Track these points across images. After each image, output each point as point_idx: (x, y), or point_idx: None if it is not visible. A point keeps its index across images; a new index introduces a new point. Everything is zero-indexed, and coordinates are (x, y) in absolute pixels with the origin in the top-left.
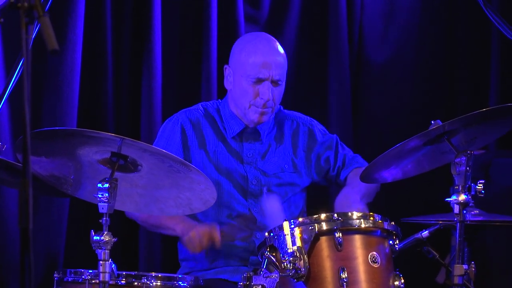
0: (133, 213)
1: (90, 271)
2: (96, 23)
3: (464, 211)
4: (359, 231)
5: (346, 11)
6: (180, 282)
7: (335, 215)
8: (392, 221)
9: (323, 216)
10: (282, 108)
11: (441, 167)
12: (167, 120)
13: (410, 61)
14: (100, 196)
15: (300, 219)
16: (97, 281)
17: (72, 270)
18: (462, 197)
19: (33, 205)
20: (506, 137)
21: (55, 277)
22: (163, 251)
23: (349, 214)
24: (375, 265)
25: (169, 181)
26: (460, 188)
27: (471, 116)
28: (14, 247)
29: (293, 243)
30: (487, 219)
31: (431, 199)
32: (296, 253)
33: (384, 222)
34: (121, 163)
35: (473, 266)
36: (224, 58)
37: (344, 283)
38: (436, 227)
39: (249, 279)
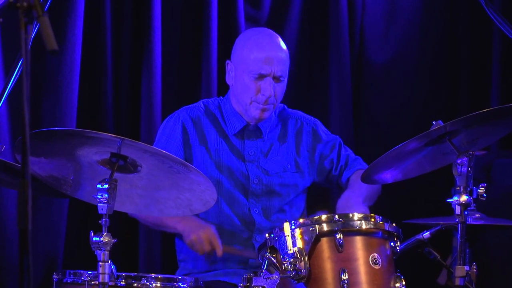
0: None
1: (90, 272)
2: (95, 23)
3: (466, 212)
4: (360, 232)
5: (347, 11)
6: (180, 284)
7: (336, 216)
8: (393, 222)
9: (324, 217)
10: (286, 107)
11: (442, 168)
12: (167, 118)
13: (411, 62)
14: (99, 197)
15: (301, 220)
16: (97, 282)
17: (71, 271)
18: (464, 198)
19: (32, 206)
20: (508, 137)
21: (54, 278)
22: (162, 252)
23: (350, 215)
24: (376, 267)
25: (169, 182)
26: (462, 189)
27: (473, 117)
28: (13, 248)
29: (294, 244)
30: (489, 223)
31: (432, 200)
32: (297, 254)
33: (385, 224)
34: (120, 164)
35: (474, 267)
36: (224, 58)
37: (345, 285)
38: (437, 228)
39: (250, 280)
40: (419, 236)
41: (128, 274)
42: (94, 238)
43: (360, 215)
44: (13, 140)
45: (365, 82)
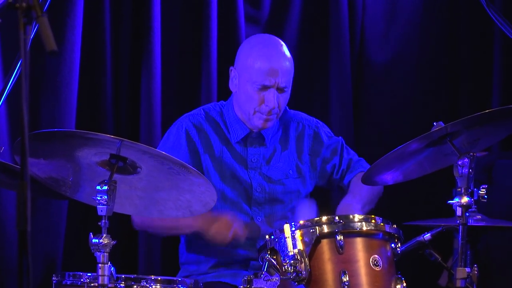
0: (144, 222)
1: (89, 274)
2: (95, 23)
3: (467, 214)
4: (360, 234)
5: (348, 11)
6: (180, 286)
7: (337, 217)
8: (394, 224)
9: (324, 218)
10: (287, 108)
11: (443, 169)
12: (170, 127)
13: (412, 62)
14: (99, 198)
15: (301, 222)
16: (96, 284)
17: (71, 273)
18: (465, 199)
19: (31, 207)
20: (509, 138)
21: (54, 280)
22: (162, 254)
23: (351, 217)
24: (377, 268)
25: (168, 183)
26: (463, 191)
27: (474, 118)
28: (12, 250)
29: (294, 246)
30: (490, 224)
31: (433, 201)
32: (297, 256)
33: (386, 225)
34: (120, 165)
35: (475, 269)
36: (224, 58)
37: (346, 286)
38: (438, 229)
39: (250, 282)
40: (420, 238)
41: (127, 276)
42: (93, 240)
43: (361, 217)
44: (12, 141)
45: (366, 82)
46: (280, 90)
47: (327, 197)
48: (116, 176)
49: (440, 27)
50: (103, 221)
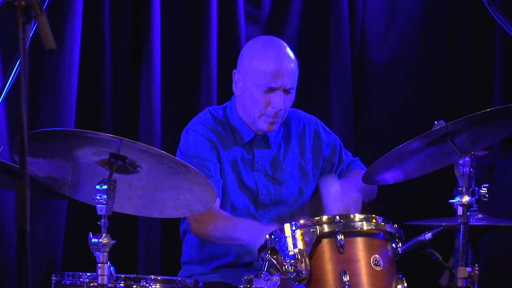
0: (201, 231)
1: (88, 274)
2: (94, 22)
3: (468, 213)
4: (361, 233)
5: (348, 11)
6: (180, 285)
7: (337, 217)
8: (395, 223)
9: (324, 218)
10: None
11: (444, 168)
12: (186, 136)
13: (412, 61)
14: (98, 198)
15: (302, 221)
16: (96, 284)
17: (70, 273)
18: (466, 198)
19: (31, 207)
20: (511, 138)
21: (53, 280)
22: (162, 253)
23: (351, 216)
24: (378, 268)
25: (168, 182)
26: (464, 190)
27: (475, 117)
28: (11, 250)
29: (295, 246)
30: (491, 223)
31: (434, 201)
32: (298, 256)
33: (387, 225)
34: (119, 164)
35: (476, 268)
36: (224, 57)
37: (346, 286)
38: (439, 229)
39: (250, 282)
40: (421, 237)
41: (127, 275)
42: (93, 240)
43: (362, 216)
44: (11, 140)
45: (366, 82)
46: (286, 91)
47: None
48: (115, 176)
49: (441, 26)
50: (103, 220)
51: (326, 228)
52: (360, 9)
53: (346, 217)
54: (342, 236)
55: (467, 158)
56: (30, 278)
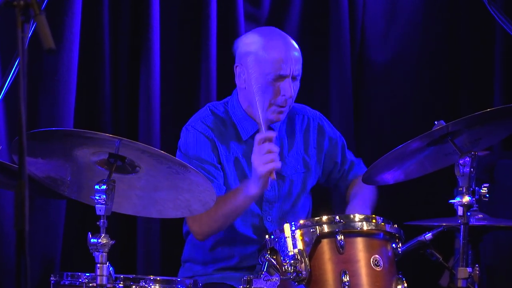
0: (205, 232)
1: (87, 274)
2: (93, 21)
3: (468, 213)
4: (361, 233)
5: (348, 10)
6: (179, 286)
7: (337, 217)
8: (395, 223)
9: (324, 218)
10: None
11: (444, 168)
12: (185, 134)
13: (412, 61)
14: (97, 198)
15: (301, 222)
16: (95, 285)
17: (69, 273)
18: (466, 199)
19: (29, 207)
20: (511, 138)
21: (52, 280)
22: (161, 253)
23: (351, 216)
24: (378, 269)
25: (167, 182)
26: (464, 190)
27: (475, 117)
28: (10, 250)
29: (294, 246)
30: (492, 223)
31: (434, 201)
32: (297, 256)
33: (387, 225)
34: (118, 164)
35: (477, 269)
36: (223, 56)
37: (346, 287)
38: (439, 229)
39: (250, 282)
40: (421, 238)
41: (126, 276)
42: (92, 240)
43: (362, 216)
44: (10, 140)
45: (366, 81)
46: (294, 78)
47: (327, 196)
48: (114, 176)
49: (441, 26)
50: (102, 220)
51: (326, 228)
52: (360, 9)
53: (346, 217)
54: (342, 236)
55: (468, 158)
56: (29, 278)
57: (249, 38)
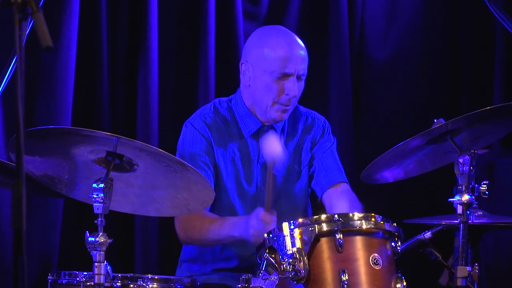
0: (188, 237)
1: (85, 273)
2: (91, 19)
3: (468, 212)
4: (360, 232)
5: (347, 8)
6: (177, 285)
7: (336, 216)
8: (394, 222)
9: (323, 217)
10: (297, 104)
11: (444, 167)
12: (184, 129)
13: (412, 59)
14: (95, 196)
15: (300, 220)
16: (92, 283)
17: (67, 272)
18: (466, 197)
19: (27, 205)
20: (511, 136)
21: (49, 279)
22: (159, 252)
23: (350, 215)
24: (377, 267)
25: (166, 181)
26: (464, 188)
27: (475, 115)
28: (7, 248)
29: (293, 245)
30: (491, 221)
31: (433, 199)
32: (296, 255)
33: (386, 223)
34: (116, 163)
35: (476, 267)
36: (222, 54)
37: (345, 285)
38: (439, 228)
39: (248, 281)
40: (420, 236)
41: (124, 274)
42: (89, 238)
43: (360, 215)
44: (7, 138)
45: (366, 80)
46: (298, 77)
47: None
48: (112, 174)
49: (441, 25)
50: (100, 219)
51: (324, 227)
52: (360, 6)
53: (345, 216)
54: (341, 235)
55: (467, 157)
56: (26, 277)
57: (255, 36)
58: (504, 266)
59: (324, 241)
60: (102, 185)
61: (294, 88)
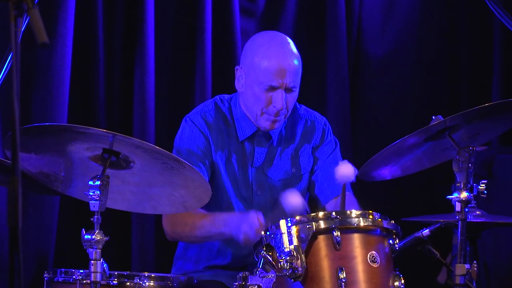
0: (175, 233)
1: (81, 271)
2: (87, 16)
3: (466, 209)
4: (358, 229)
5: (345, 3)
6: (174, 282)
7: (333, 213)
8: (392, 219)
9: (321, 214)
10: (297, 104)
11: (442, 164)
12: (183, 125)
13: (411, 55)
14: (91, 193)
15: (297, 218)
16: (88, 281)
17: (63, 270)
18: (464, 194)
19: (22, 203)
20: (510, 133)
21: (45, 277)
22: (156, 250)
23: (348, 212)
24: (375, 265)
25: (162, 178)
26: (462, 186)
27: (473, 112)
28: (3, 247)
29: (290, 242)
30: (490, 220)
31: (432, 197)
32: (293, 252)
33: (384, 221)
34: (113, 160)
35: (475, 265)
36: (218, 51)
37: (343, 283)
38: (437, 225)
39: (245, 279)
40: (419, 234)
41: (120, 272)
42: (86, 236)
43: (358, 212)
44: (3, 135)
45: (363, 76)
46: (288, 90)
47: None
48: (108, 171)
49: (439, 20)
50: (96, 217)
51: (322, 225)
52: (357, 2)
53: (342, 213)
54: (339, 232)
55: (465, 154)
56: (22, 275)
57: (251, 42)
58: (503, 263)
59: (321, 238)
60: (98, 183)
61: (281, 101)
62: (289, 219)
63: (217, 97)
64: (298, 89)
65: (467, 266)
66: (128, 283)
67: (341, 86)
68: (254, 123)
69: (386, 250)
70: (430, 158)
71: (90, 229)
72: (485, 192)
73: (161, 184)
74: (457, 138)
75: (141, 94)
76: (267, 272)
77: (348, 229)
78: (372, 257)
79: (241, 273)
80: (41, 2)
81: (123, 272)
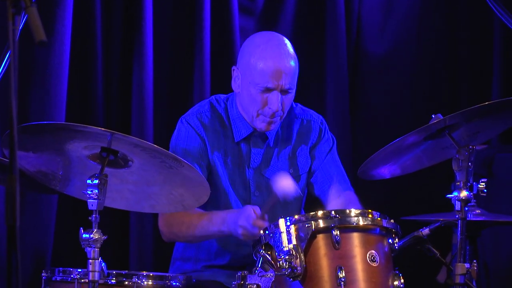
0: (173, 233)
1: (79, 270)
2: (85, 13)
3: (466, 208)
4: (357, 229)
5: (344, 2)
6: (172, 281)
7: (333, 212)
8: (392, 218)
9: (320, 213)
10: (293, 104)
11: (442, 163)
12: (179, 127)
13: (410, 53)
14: (89, 192)
15: (296, 217)
16: (87, 280)
17: (61, 269)
18: (464, 193)
19: (20, 202)
20: (509, 131)
21: (43, 276)
22: (154, 249)
23: (347, 211)
24: (374, 264)
25: (161, 177)
26: (462, 184)
27: (473, 110)
28: (1, 245)
29: (289, 241)
30: (490, 219)
31: (431, 196)
32: (292, 252)
33: (383, 220)
34: (111, 159)
35: (475, 264)
36: (217, 50)
37: (342, 283)
38: (437, 224)
39: (244, 278)
40: (418, 233)
41: (118, 271)
42: (84, 235)
43: (358, 211)
44: (0, 134)
45: (363, 74)
46: (284, 92)
47: None
48: (107, 170)
49: (438, 18)
50: (94, 215)
51: (321, 224)
52: (356, 0)
53: (341, 212)
54: (338, 231)
55: (465, 152)
56: (20, 274)
57: (248, 42)
58: (503, 262)
59: (320, 237)
60: (96, 181)
61: (277, 102)
62: (288, 218)
63: (213, 97)
64: (294, 90)
65: (467, 265)
66: (126, 282)
67: (340, 85)
68: (250, 124)
69: (386, 249)
70: (430, 157)
71: (88, 228)
72: (485, 191)
73: (160, 183)
74: (456, 137)
75: (139, 93)
76: (266, 271)
77: (348, 228)
78: (372, 256)
79: (240, 272)
80: (39, 0)
81: (121, 271)
